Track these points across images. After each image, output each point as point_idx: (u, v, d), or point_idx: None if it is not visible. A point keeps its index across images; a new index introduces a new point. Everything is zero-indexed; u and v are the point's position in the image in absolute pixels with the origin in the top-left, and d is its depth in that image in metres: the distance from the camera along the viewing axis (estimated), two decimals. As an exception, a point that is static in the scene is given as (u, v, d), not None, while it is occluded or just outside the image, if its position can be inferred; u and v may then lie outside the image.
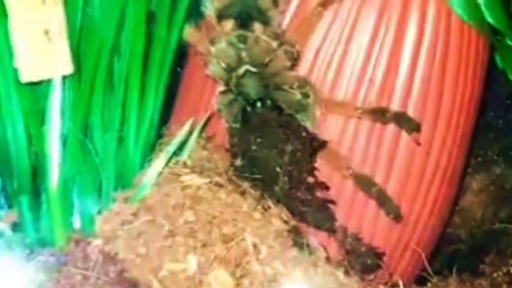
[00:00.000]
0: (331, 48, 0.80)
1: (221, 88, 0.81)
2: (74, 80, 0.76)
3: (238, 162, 0.78)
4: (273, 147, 0.76)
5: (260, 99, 0.78)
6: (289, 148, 0.75)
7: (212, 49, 0.80)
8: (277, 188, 0.76)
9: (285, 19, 0.81)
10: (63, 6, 0.75)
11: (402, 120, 0.79)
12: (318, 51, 0.80)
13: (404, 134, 0.80)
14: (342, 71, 0.79)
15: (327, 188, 0.78)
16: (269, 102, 0.78)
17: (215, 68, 0.81)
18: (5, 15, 0.73)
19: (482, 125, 0.96)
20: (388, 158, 0.80)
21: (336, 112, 0.80)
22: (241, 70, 0.79)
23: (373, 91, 0.79)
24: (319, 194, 0.77)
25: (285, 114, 0.78)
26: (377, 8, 0.79)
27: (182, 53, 0.85)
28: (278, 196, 0.76)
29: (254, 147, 0.76)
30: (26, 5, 0.73)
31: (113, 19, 0.77)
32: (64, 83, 0.75)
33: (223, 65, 0.80)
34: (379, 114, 0.79)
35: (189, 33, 0.82)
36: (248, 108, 0.79)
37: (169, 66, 0.81)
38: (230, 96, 0.80)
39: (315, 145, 0.77)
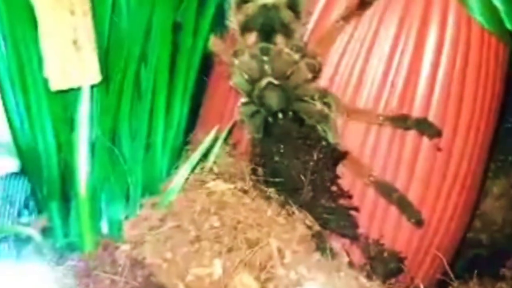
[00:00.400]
0: (353, 56, 0.80)
1: (244, 99, 0.82)
2: (102, 88, 0.78)
3: (260, 172, 0.78)
4: (295, 158, 0.76)
5: (281, 111, 0.79)
6: (310, 158, 0.76)
7: (236, 61, 0.81)
8: (300, 197, 0.76)
9: (307, 31, 0.82)
10: (91, 16, 0.76)
11: (423, 126, 0.80)
12: (340, 59, 0.81)
13: (424, 141, 0.80)
14: (364, 78, 0.80)
15: (350, 196, 0.78)
16: (290, 113, 0.79)
17: (238, 80, 0.82)
18: (35, 25, 0.74)
19: (502, 130, 0.96)
20: (409, 165, 0.81)
21: (359, 119, 0.80)
22: (263, 82, 0.80)
23: (394, 98, 0.80)
24: (342, 201, 0.78)
25: (307, 125, 0.78)
26: (398, 16, 0.79)
27: (207, 62, 0.86)
28: (301, 204, 0.76)
29: (276, 158, 0.77)
30: (55, 15, 0.75)
31: (140, 28, 0.79)
32: (92, 92, 0.77)
33: (246, 77, 0.81)
34: (401, 121, 0.79)
35: (214, 43, 0.83)
36: (270, 119, 0.79)
37: (195, 75, 0.82)
38: (253, 108, 0.81)
39: (336, 156, 0.78)
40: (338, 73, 0.81)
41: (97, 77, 0.76)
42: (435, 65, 0.80)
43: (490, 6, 0.80)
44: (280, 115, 0.79)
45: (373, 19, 0.80)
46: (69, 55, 0.75)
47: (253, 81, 0.81)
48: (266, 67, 0.80)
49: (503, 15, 0.80)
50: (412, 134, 0.80)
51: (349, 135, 0.81)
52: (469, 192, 0.86)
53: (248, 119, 0.81)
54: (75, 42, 0.75)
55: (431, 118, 0.80)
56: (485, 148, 0.87)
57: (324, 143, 0.77)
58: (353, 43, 0.80)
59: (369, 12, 0.80)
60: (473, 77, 0.82)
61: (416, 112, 0.80)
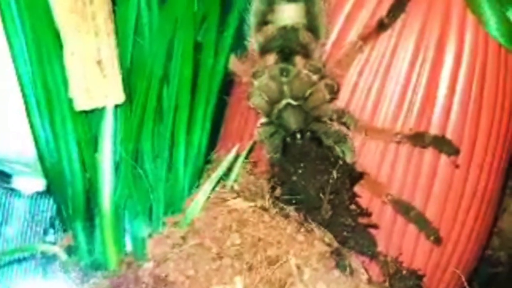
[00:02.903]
0: (371, 76, 0.81)
1: (263, 119, 0.83)
2: (125, 108, 0.79)
3: (278, 191, 0.79)
4: (313, 178, 0.76)
5: (300, 131, 0.79)
6: (329, 178, 0.76)
7: (255, 82, 0.82)
8: (319, 216, 0.77)
9: (326, 52, 0.82)
10: (115, 37, 0.77)
11: (441, 143, 0.80)
12: (358, 79, 0.81)
13: (442, 159, 0.81)
14: (382, 98, 0.81)
15: (369, 214, 0.79)
16: (308, 133, 0.79)
17: (257, 101, 0.82)
18: (60, 46, 0.76)
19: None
20: (427, 183, 0.81)
21: (376, 138, 0.81)
22: (282, 103, 0.81)
23: (412, 118, 0.80)
24: (361, 220, 0.78)
25: (324, 145, 0.79)
26: (416, 34, 0.80)
27: (228, 82, 0.87)
28: (320, 223, 0.77)
29: (294, 178, 0.77)
30: (80, 36, 0.76)
31: (162, 49, 0.80)
32: (116, 111, 0.78)
33: (265, 98, 0.82)
34: (419, 139, 0.80)
35: (234, 63, 0.84)
36: (288, 140, 0.80)
37: (216, 94, 0.83)
38: (272, 129, 0.81)
39: (354, 175, 0.79)
40: (356, 92, 0.82)
41: (121, 97, 0.77)
42: (453, 83, 0.81)
43: (508, 24, 0.80)
44: (298, 135, 0.79)
45: (391, 39, 0.81)
46: (94, 76, 0.76)
47: (272, 102, 0.81)
48: (285, 88, 0.81)
49: (520, 32, 0.81)
50: (429, 152, 0.81)
51: (367, 154, 0.82)
52: (486, 209, 0.86)
53: (267, 139, 0.82)
54: (99, 63, 0.76)
55: (448, 136, 0.80)
56: (503, 166, 0.87)
57: (341, 162, 0.77)
58: (371, 63, 0.81)
59: (386, 32, 0.80)
60: (491, 94, 0.82)
61: (433, 130, 0.80)
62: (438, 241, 0.81)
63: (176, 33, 0.80)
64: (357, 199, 0.79)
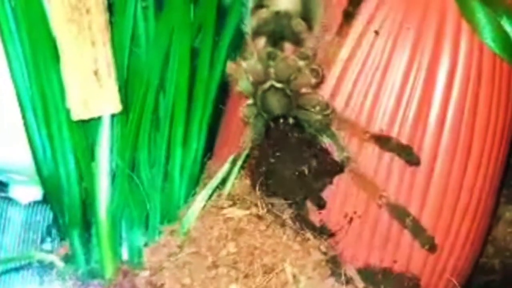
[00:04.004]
0: (366, 84, 0.81)
1: (248, 101, 0.83)
2: (122, 117, 0.79)
3: (256, 174, 0.80)
4: (290, 163, 0.77)
5: (283, 116, 0.80)
6: (307, 165, 0.77)
7: (243, 64, 0.82)
8: (293, 202, 0.78)
9: (320, 44, 0.82)
10: (111, 47, 0.78)
11: (403, 151, 0.80)
12: (353, 87, 0.81)
13: (437, 168, 0.81)
14: (377, 105, 0.80)
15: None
16: (291, 119, 0.80)
17: (244, 84, 0.82)
18: (57, 56, 0.77)
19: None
20: (422, 191, 0.81)
21: (345, 130, 0.80)
22: (266, 85, 0.81)
23: (406, 126, 0.80)
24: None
25: (306, 133, 0.79)
26: (411, 43, 0.80)
27: (224, 91, 0.87)
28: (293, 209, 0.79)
29: (272, 160, 0.78)
30: (77, 46, 0.76)
31: (158, 58, 0.81)
32: (112, 121, 0.79)
33: (251, 79, 0.81)
34: (384, 142, 0.80)
35: (230, 67, 0.83)
36: (271, 124, 0.80)
37: (212, 103, 0.84)
38: (255, 110, 0.81)
39: (335, 167, 0.79)
40: (352, 100, 0.81)
41: (117, 107, 0.78)
42: (448, 92, 0.80)
43: (502, 32, 0.80)
44: (281, 120, 0.79)
45: (385, 47, 0.80)
46: (90, 86, 0.77)
47: (257, 84, 0.81)
48: (271, 70, 0.80)
49: (515, 41, 0.81)
50: (424, 160, 0.80)
51: (362, 161, 0.81)
52: (481, 217, 0.86)
53: (250, 120, 0.82)
54: (96, 73, 0.77)
55: (443, 143, 0.80)
56: (498, 174, 0.87)
57: (322, 151, 0.78)
58: (366, 71, 0.81)
59: (381, 40, 0.80)
60: (485, 103, 0.82)
61: (428, 137, 0.80)
62: (433, 249, 0.81)
63: (172, 42, 0.81)
64: (354, 200, 0.80)
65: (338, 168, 0.79)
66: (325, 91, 0.82)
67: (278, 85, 0.80)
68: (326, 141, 0.79)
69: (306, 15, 0.81)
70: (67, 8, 0.76)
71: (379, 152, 0.81)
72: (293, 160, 0.77)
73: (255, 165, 0.79)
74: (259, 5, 0.82)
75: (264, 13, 0.81)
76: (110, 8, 0.79)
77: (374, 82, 0.81)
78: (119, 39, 0.79)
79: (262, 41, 0.81)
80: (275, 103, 0.80)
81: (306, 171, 0.77)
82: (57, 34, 0.76)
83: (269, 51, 0.80)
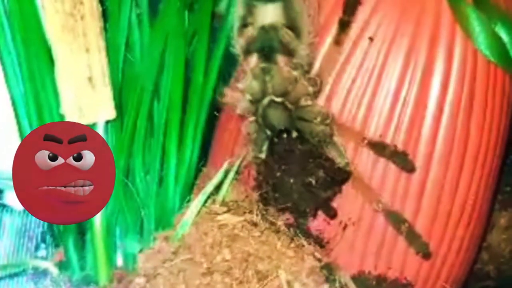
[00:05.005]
0: (361, 89, 0.81)
1: (251, 118, 0.83)
2: (116, 124, 0.79)
3: (263, 189, 0.80)
4: (296, 175, 0.78)
5: (286, 130, 0.80)
6: (313, 176, 0.77)
7: (240, 86, 0.83)
8: (302, 214, 0.79)
9: (311, 52, 0.82)
10: (106, 53, 0.78)
11: (398, 158, 0.80)
12: (348, 92, 0.81)
13: (431, 174, 0.81)
14: (372, 111, 0.81)
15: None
16: (294, 132, 0.80)
17: (243, 105, 0.83)
18: (52, 64, 0.76)
19: (509, 162, 0.97)
20: (416, 198, 0.81)
21: (343, 137, 0.81)
22: (265, 101, 0.81)
23: (401, 131, 0.80)
24: None
25: (310, 144, 0.79)
26: (405, 49, 0.80)
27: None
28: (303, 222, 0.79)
29: (278, 174, 0.78)
30: (71, 53, 0.76)
31: (153, 65, 0.80)
32: (107, 127, 0.78)
33: (250, 98, 0.82)
34: (380, 148, 0.80)
35: (227, 95, 0.85)
36: (275, 139, 0.80)
37: (207, 110, 0.84)
38: (257, 127, 0.82)
39: (341, 175, 0.79)
40: (347, 106, 0.82)
41: (112, 113, 0.78)
42: (442, 98, 0.81)
43: (496, 39, 0.81)
44: (284, 135, 0.80)
45: (380, 52, 0.81)
46: (85, 92, 0.77)
47: (256, 101, 0.82)
48: (268, 85, 0.81)
49: (509, 47, 0.81)
50: (419, 167, 0.81)
51: (359, 163, 0.81)
52: (476, 224, 0.86)
53: (253, 136, 0.82)
54: (90, 79, 0.77)
55: (437, 150, 0.81)
56: (492, 181, 0.87)
57: (327, 161, 0.78)
58: (361, 76, 0.81)
59: (376, 45, 0.81)
60: (480, 109, 0.82)
61: (422, 144, 0.81)
62: (427, 256, 0.81)
63: (166, 49, 0.81)
64: (350, 205, 0.80)
65: (345, 175, 0.80)
66: (320, 97, 0.82)
67: (277, 99, 0.81)
68: (329, 150, 0.80)
69: (291, 25, 0.81)
70: (62, 14, 0.76)
71: (374, 158, 0.81)
72: (299, 172, 0.78)
73: (262, 180, 0.80)
74: (244, 25, 0.82)
75: (250, 31, 0.82)
76: (105, 14, 0.79)
77: (368, 87, 0.81)
78: (114, 46, 0.79)
79: (254, 59, 0.82)
80: (277, 118, 0.80)
81: (314, 182, 0.77)
82: (51, 40, 0.76)
83: (262, 66, 0.81)
